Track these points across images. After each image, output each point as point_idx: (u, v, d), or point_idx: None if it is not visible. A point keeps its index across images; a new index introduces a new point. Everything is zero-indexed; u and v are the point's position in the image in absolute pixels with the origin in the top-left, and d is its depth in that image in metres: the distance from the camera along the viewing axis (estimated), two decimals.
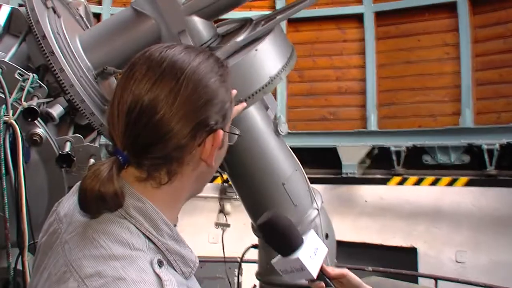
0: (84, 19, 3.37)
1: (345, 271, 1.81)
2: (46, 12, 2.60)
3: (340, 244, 7.31)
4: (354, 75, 7.44)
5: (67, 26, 2.73)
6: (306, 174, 7.95)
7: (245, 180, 3.00)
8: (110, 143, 1.31)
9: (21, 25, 2.60)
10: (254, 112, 2.82)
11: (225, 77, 1.34)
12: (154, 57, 1.28)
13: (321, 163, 7.28)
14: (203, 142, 1.28)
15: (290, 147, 7.74)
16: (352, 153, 7.01)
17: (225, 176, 3.05)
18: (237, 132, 1.51)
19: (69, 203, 1.38)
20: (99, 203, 1.19)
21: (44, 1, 2.63)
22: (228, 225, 3.28)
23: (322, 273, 1.81)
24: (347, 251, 7.45)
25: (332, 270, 1.81)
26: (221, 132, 1.29)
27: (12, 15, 2.73)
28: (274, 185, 2.94)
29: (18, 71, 2.17)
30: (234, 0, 2.67)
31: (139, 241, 1.19)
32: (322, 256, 1.86)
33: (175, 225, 1.39)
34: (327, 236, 3.17)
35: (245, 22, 2.82)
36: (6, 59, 2.23)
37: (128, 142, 1.24)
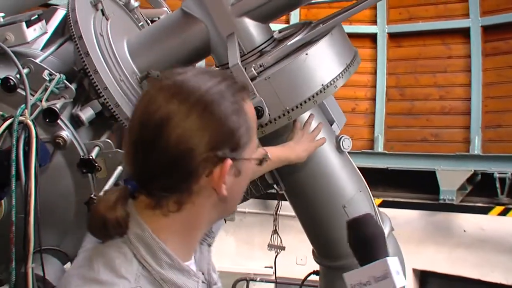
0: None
1: None
2: (94, 14, 2.52)
3: (434, 276, 6.83)
4: (459, 94, 6.90)
5: (120, 30, 2.64)
6: (402, 198, 7.47)
7: (302, 200, 2.74)
8: None
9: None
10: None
11: (239, 104, 1.26)
12: (165, 82, 1.25)
13: (418, 187, 6.82)
14: (211, 172, 1.22)
15: (387, 169, 7.34)
16: (452, 178, 6.46)
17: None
18: (263, 157, 1.38)
19: None
20: (102, 229, 1.25)
21: (94, 3, 2.55)
22: (283, 248, 3.02)
23: None
24: (442, 284, 6.93)
25: None
26: (228, 162, 1.22)
27: (67, 19, 2.70)
28: (333, 207, 2.66)
29: (47, 71, 2.08)
30: (289, 2, 2.44)
31: (130, 268, 1.21)
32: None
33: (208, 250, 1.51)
34: None
35: (303, 25, 2.58)
36: (39, 59, 2.15)
37: (136, 171, 1.26)
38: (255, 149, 1.33)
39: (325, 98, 2.34)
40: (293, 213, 2.83)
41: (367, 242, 1.62)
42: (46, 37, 2.58)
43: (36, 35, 2.32)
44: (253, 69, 2.23)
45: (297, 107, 2.23)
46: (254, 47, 2.44)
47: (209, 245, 1.53)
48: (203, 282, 1.39)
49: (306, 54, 2.23)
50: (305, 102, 2.24)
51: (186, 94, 1.21)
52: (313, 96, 2.25)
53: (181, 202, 1.24)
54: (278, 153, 2.27)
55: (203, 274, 1.46)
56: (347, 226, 1.67)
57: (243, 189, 1.36)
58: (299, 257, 7.37)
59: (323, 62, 2.29)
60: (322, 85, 2.26)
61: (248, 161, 1.29)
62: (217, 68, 2.54)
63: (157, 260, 1.23)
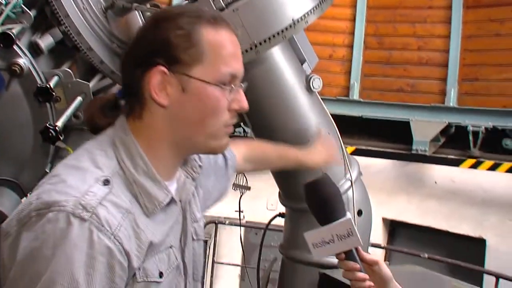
0: None
1: (378, 259, 1.67)
2: None
3: (403, 226, 6.89)
4: (437, 46, 6.82)
5: None
6: (375, 147, 7.42)
7: (268, 140, 2.69)
8: None
9: None
10: (281, 64, 2.50)
11: (191, 26, 1.39)
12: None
13: (392, 137, 6.82)
14: (145, 77, 1.38)
15: (361, 117, 7.27)
16: (425, 129, 6.45)
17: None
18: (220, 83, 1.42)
19: None
20: (90, 127, 1.48)
21: None
22: (248, 188, 3.00)
23: (355, 254, 1.64)
24: (410, 234, 7.01)
25: (367, 254, 1.67)
26: (158, 68, 1.37)
27: None
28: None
29: None
30: None
31: (108, 164, 1.36)
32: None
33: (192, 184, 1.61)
34: (360, 212, 2.80)
35: None
36: None
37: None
38: (213, 75, 1.40)
39: (295, 34, 2.27)
40: None
41: (326, 203, 1.63)
42: None
43: None
44: (221, 0, 2.14)
45: (265, 41, 2.17)
46: None
47: (193, 179, 1.63)
48: (173, 200, 1.46)
49: None
50: (273, 36, 2.18)
51: (156, 13, 1.54)
52: (282, 31, 2.18)
53: (141, 107, 1.41)
54: (297, 155, 2.43)
55: (180, 201, 1.53)
56: (305, 189, 1.68)
57: (202, 114, 1.41)
58: (269, 202, 7.40)
59: None
60: (293, 19, 2.20)
61: (198, 82, 1.38)
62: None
63: (134, 164, 1.38)
